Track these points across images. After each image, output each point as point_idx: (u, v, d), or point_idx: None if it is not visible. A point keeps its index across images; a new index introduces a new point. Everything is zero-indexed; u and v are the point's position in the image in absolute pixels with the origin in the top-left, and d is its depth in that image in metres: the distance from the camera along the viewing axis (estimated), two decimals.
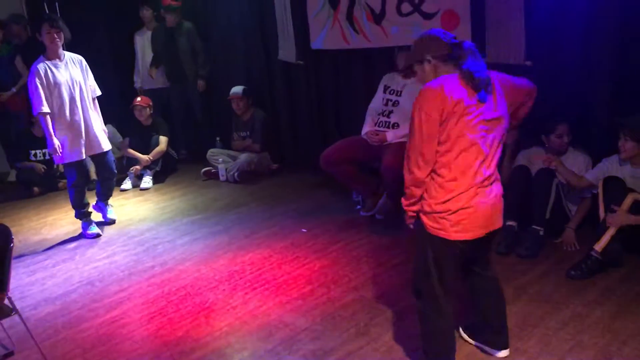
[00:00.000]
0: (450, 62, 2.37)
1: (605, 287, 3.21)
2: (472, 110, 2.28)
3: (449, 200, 2.31)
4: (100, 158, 4.77)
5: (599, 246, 3.32)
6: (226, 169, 5.92)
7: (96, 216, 5.03)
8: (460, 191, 2.30)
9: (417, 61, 2.45)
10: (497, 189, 2.41)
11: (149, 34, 6.66)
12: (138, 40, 6.73)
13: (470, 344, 2.79)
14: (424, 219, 2.39)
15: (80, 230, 4.88)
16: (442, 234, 2.35)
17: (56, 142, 4.39)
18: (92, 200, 5.01)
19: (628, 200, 3.28)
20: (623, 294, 3.13)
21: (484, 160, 2.32)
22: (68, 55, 4.55)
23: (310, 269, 3.79)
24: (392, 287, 3.43)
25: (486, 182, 2.34)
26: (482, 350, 2.73)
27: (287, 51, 5.64)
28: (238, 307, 3.39)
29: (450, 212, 2.31)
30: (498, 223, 2.44)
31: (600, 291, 3.17)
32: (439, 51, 2.37)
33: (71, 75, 4.48)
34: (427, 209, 2.37)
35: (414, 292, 2.53)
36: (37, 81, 4.32)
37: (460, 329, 2.85)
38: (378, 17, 4.74)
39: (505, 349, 2.69)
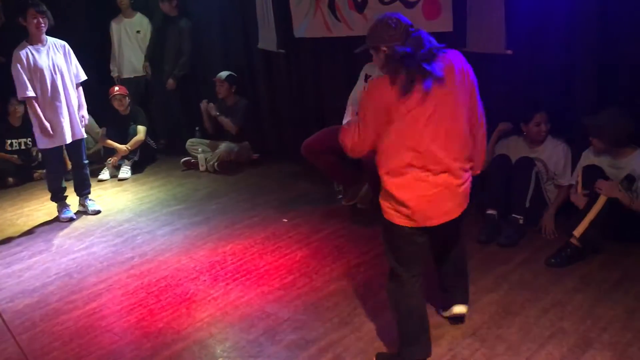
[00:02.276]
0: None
1: (585, 274, 3.24)
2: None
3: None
4: (76, 144, 4.76)
5: (577, 231, 3.35)
6: (206, 159, 5.85)
7: (75, 205, 4.98)
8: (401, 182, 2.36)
9: (372, 48, 2.46)
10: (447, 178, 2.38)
11: (125, 21, 6.54)
12: (114, 27, 6.59)
13: (445, 317, 2.90)
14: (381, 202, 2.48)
15: (56, 222, 4.82)
16: (391, 219, 2.43)
17: (47, 124, 4.47)
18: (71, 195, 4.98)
19: (601, 200, 3.32)
20: (602, 280, 3.16)
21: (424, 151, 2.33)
22: (51, 40, 4.61)
23: (292, 259, 3.77)
24: (374, 276, 3.43)
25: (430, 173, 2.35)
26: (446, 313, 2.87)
27: (267, 40, 5.58)
28: (219, 297, 3.36)
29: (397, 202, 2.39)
30: (452, 214, 2.44)
31: (580, 278, 3.21)
32: (392, 42, 2.36)
33: (53, 61, 4.54)
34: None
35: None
36: (19, 66, 4.40)
37: (440, 311, 2.93)
38: (360, 6, 4.70)
39: (463, 303, 2.81)
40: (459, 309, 2.82)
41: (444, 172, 2.36)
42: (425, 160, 2.33)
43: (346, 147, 2.54)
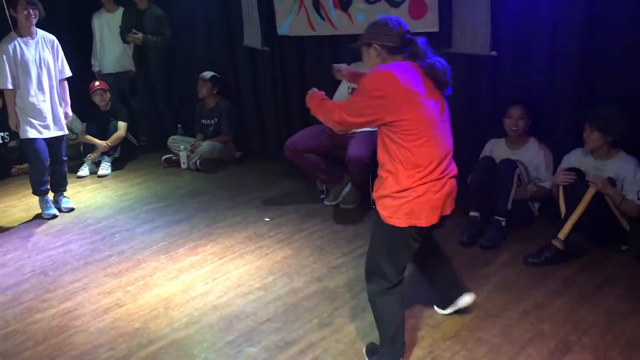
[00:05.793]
0: (398, 54, 2.39)
1: (566, 277, 3.23)
2: (430, 104, 2.32)
3: (405, 190, 2.32)
4: (57, 140, 4.69)
5: (562, 234, 3.34)
6: (188, 156, 5.79)
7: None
8: (417, 182, 2.31)
9: (364, 44, 2.46)
10: (450, 182, 2.43)
11: (107, 15, 6.44)
12: (96, 21, 6.49)
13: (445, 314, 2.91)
14: (379, 208, 2.42)
15: (33, 219, 4.72)
16: (394, 221, 2.37)
17: (15, 119, 4.45)
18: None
19: (590, 192, 3.32)
20: (583, 284, 3.16)
21: (443, 155, 2.37)
22: (41, 33, 4.55)
23: (273, 258, 3.73)
24: (355, 277, 3.39)
25: (442, 176, 2.37)
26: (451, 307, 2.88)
27: (252, 37, 5.53)
28: (198, 297, 3.30)
29: (405, 201, 2.33)
30: (448, 210, 2.46)
31: (561, 281, 3.20)
32: (386, 41, 2.38)
33: (40, 55, 4.50)
34: (383, 194, 2.39)
35: (366, 275, 2.59)
36: (4, 57, 4.35)
37: (435, 307, 2.95)
38: (344, 4, 4.68)
39: (468, 292, 2.86)
40: (468, 298, 2.85)
41: None
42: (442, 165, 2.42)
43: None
